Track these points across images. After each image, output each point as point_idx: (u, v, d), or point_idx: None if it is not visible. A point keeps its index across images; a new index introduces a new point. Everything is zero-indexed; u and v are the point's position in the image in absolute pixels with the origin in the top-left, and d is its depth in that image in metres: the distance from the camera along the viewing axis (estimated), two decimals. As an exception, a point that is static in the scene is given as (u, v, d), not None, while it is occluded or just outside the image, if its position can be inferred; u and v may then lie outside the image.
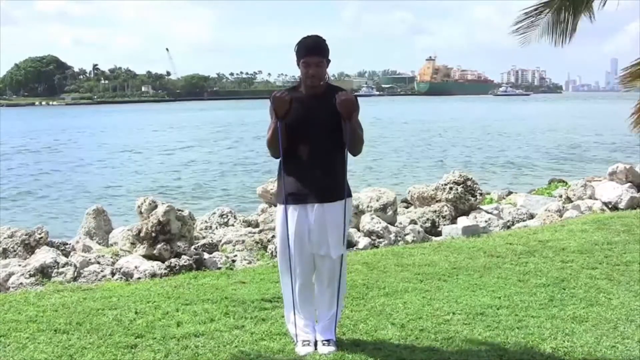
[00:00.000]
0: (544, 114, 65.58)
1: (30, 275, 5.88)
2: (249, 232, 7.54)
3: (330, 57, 3.89)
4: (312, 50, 3.82)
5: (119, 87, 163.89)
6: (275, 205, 4.52)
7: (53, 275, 5.93)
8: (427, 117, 60.71)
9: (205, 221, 8.63)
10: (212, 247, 7.13)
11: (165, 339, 4.14)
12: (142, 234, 6.43)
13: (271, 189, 8.51)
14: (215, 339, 4.12)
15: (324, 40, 3.89)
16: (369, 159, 23.00)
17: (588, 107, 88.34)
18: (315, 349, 3.92)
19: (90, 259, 6.41)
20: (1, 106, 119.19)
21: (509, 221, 8.59)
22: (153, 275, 5.99)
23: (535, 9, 8.06)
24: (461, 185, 8.60)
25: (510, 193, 11.67)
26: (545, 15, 8.01)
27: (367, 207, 7.82)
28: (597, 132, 37.94)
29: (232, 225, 8.46)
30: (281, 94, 3.84)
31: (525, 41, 8.26)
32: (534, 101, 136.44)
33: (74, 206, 15.70)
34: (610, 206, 9.46)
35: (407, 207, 9.47)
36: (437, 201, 8.69)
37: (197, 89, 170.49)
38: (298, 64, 3.85)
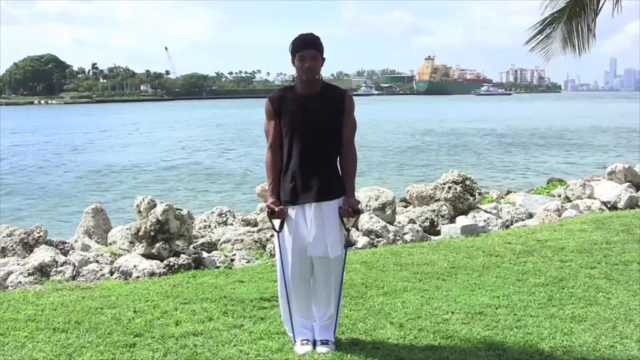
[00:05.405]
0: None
1: (29, 274, 5.87)
2: (248, 231, 7.54)
3: (325, 56, 3.89)
4: (307, 44, 3.83)
5: (117, 86, 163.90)
6: None
7: (52, 274, 5.93)
8: (408, 117, 60.70)
9: (204, 220, 8.62)
10: (211, 246, 7.13)
11: (164, 338, 4.14)
12: (140, 233, 6.42)
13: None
14: (214, 338, 4.12)
15: (318, 38, 3.90)
16: (367, 158, 22.98)
17: (575, 107, 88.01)
18: (314, 348, 3.92)
19: (89, 258, 6.40)
20: (0, 105, 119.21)
21: (507, 220, 8.59)
22: (152, 274, 5.99)
23: (549, 21, 8.06)
24: (460, 185, 8.60)
25: (509, 192, 11.68)
26: (559, 27, 8.02)
27: (366, 206, 7.81)
28: (592, 132, 37.95)
29: (231, 224, 8.45)
30: (278, 209, 3.84)
31: (546, 56, 8.37)
32: (514, 100, 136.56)
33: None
34: (609, 206, 9.46)
35: (405, 207, 9.47)
36: (435, 200, 8.69)
37: (195, 88, 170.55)
38: (293, 62, 3.84)
